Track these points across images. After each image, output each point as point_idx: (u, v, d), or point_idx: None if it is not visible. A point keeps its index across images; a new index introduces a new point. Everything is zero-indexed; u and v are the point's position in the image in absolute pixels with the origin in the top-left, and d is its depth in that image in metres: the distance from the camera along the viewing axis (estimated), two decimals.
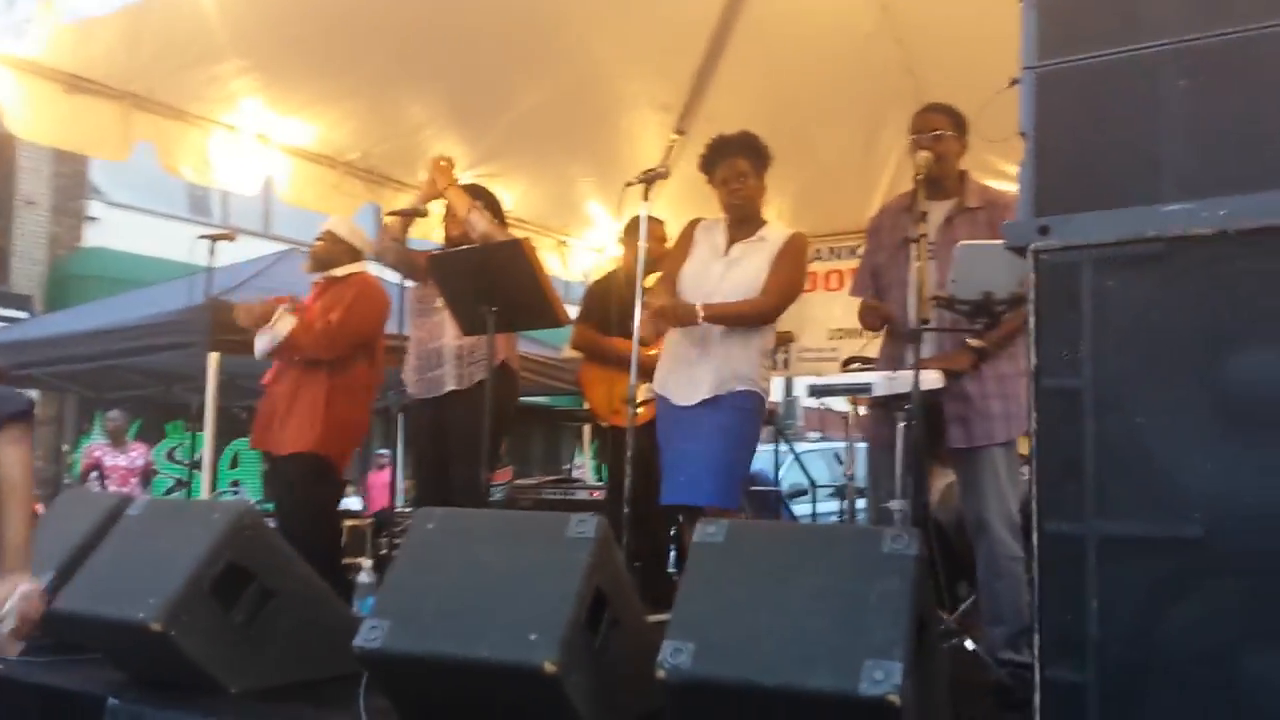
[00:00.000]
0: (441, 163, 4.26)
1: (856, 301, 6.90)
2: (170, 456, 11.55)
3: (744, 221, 3.72)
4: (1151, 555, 1.88)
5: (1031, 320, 2.04)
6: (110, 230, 12.47)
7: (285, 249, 7.60)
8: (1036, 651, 1.95)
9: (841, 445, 8.12)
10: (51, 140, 4.81)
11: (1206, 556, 1.84)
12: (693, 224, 3.85)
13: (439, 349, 4.08)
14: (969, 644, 3.18)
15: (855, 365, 5.03)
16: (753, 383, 3.56)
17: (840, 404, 3.61)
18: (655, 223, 5.22)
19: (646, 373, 4.66)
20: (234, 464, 12.33)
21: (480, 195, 4.31)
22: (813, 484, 6.36)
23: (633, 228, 4.97)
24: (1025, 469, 4.13)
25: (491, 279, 3.46)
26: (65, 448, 11.11)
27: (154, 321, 6.05)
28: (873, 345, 6.31)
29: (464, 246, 3.89)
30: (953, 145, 3.42)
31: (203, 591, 2.79)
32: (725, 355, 3.56)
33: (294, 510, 4.16)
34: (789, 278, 3.68)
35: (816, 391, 3.18)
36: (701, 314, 3.47)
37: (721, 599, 2.29)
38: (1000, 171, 5.86)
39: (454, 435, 4.01)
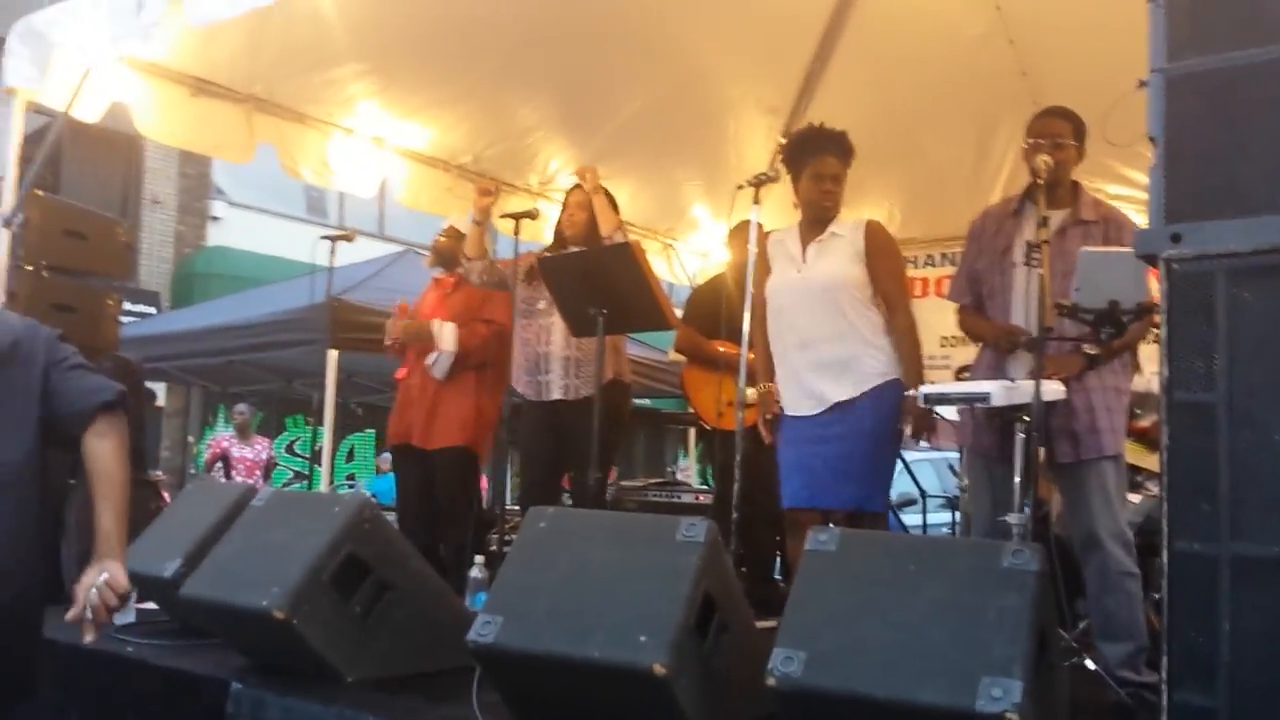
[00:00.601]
0: (587, 173, 4.28)
1: None
2: (290, 449, 11.92)
3: (816, 223, 3.64)
4: None
5: (1164, 332, 1.98)
6: (233, 230, 12.92)
7: (400, 250, 7.77)
8: (1165, 674, 1.89)
9: (954, 455, 7.99)
10: (178, 141, 5.01)
11: None
12: (762, 240, 3.78)
13: (547, 354, 4.13)
14: (1089, 663, 3.09)
15: (968, 374, 4.97)
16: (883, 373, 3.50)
17: (953, 413, 3.52)
18: (761, 228, 5.21)
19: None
20: (349, 458, 12.69)
21: (607, 196, 4.35)
22: (923, 494, 6.24)
23: (739, 231, 4.96)
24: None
25: (601, 282, 3.49)
26: (191, 439, 11.53)
27: (277, 319, 6.26)
28: None
29: (573, 250, 3.93)
30: (1072, 153, 3.33)
31: (323, 582, 2.87)
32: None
33: (448, 503, 4.28)
34: (898, 273, 3.66)
35: (931, 400, 3.11)
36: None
37: (833, 608, 2.27)
38: (1119, 175, 5.73)
39: (566, 439, 4.05)
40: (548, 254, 3.91)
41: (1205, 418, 1.91)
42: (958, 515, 7.02)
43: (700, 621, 2.43)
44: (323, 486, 5.43)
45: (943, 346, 6.69)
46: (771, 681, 2.19)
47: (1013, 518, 3.06)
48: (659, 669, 2.26)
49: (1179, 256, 1.98)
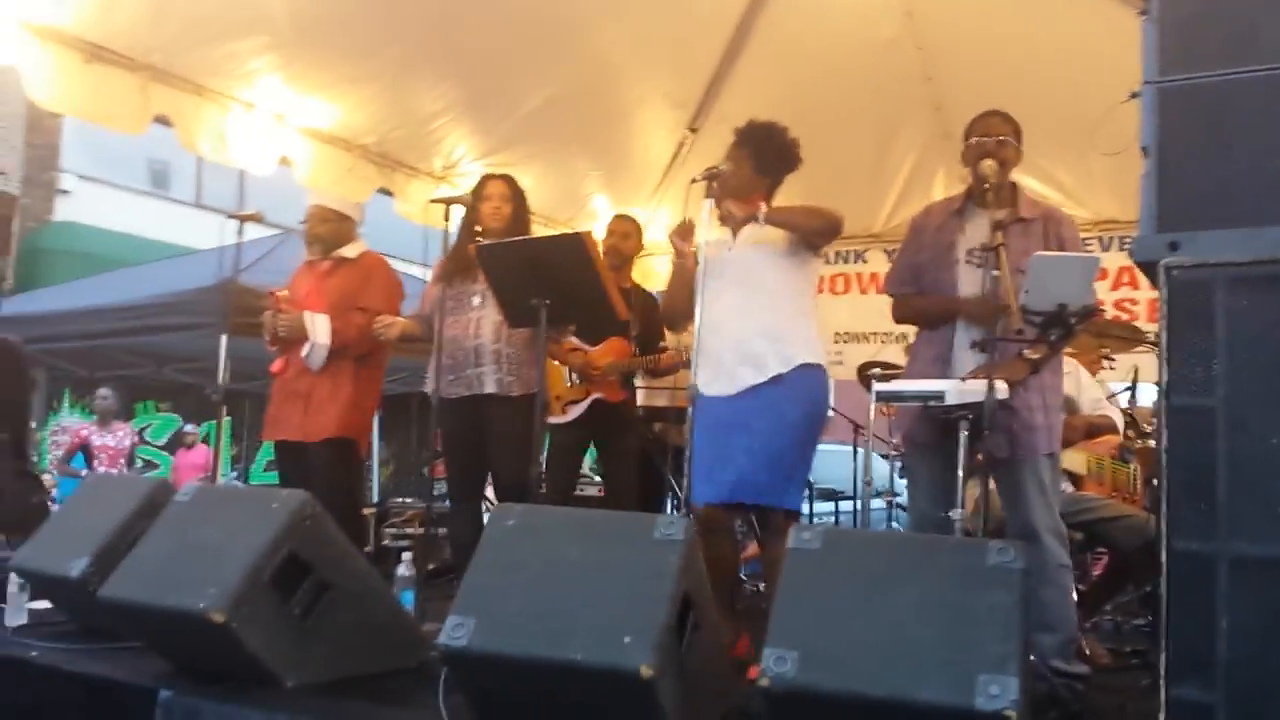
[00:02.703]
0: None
1: (863, 305, 6.96)
2: (141, 437, 11.32)
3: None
4: None
5: (1162, 338, 2.04)
6: (82, 204, 12.20)
7: (279, 233, 7.44)
8: (1164, 670, 1.94)
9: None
10: (69, 109, 4.65)
11: None
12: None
13: (477, 348, 3.99)
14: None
15: (875, 371, 5.07)
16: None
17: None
18: (624, 219, 5.20)
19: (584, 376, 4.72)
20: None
21: (517, 188, 4.23)
22: (811, 486, 6.35)
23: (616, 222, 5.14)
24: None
25: (547, 272, 3.38)
26: (33, 425, 10.82)
27: (162, 301, 5.91)
28: (885, 350, 6.39)
29: (512, 238, 3.81)
30: (1013, 154, 3.40)
31: (263, 582, 2.70)
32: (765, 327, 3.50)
33: (328, 497, 4.07)
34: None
35: (884, 398, 3.14)
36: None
37: (822, 607, 2.26)
38: (1050, 177, 5.96)
39: (491, 436, 3.94)
40: (486, 241, 3.78)
41: (1204, 422, 1.97)
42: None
43: (678, 621, 2.39)
44: (217, 478, 5.13)
45: (835, 342, 6.83)
46: (765, 682, 2.16)
47: (955, 513, 3.12)
48: (646, 670, 2.21)
49: (1178, 264, 2.04)
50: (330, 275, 4.48)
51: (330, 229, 4.55)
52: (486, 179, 4.34)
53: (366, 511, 5.48)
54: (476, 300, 4.01)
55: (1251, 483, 1.92)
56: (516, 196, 4.21)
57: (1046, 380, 3.32)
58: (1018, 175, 3.69)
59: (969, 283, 3.32)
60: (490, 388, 3.93)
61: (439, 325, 3.96)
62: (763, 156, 3.63)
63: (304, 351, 4.31)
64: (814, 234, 3.61)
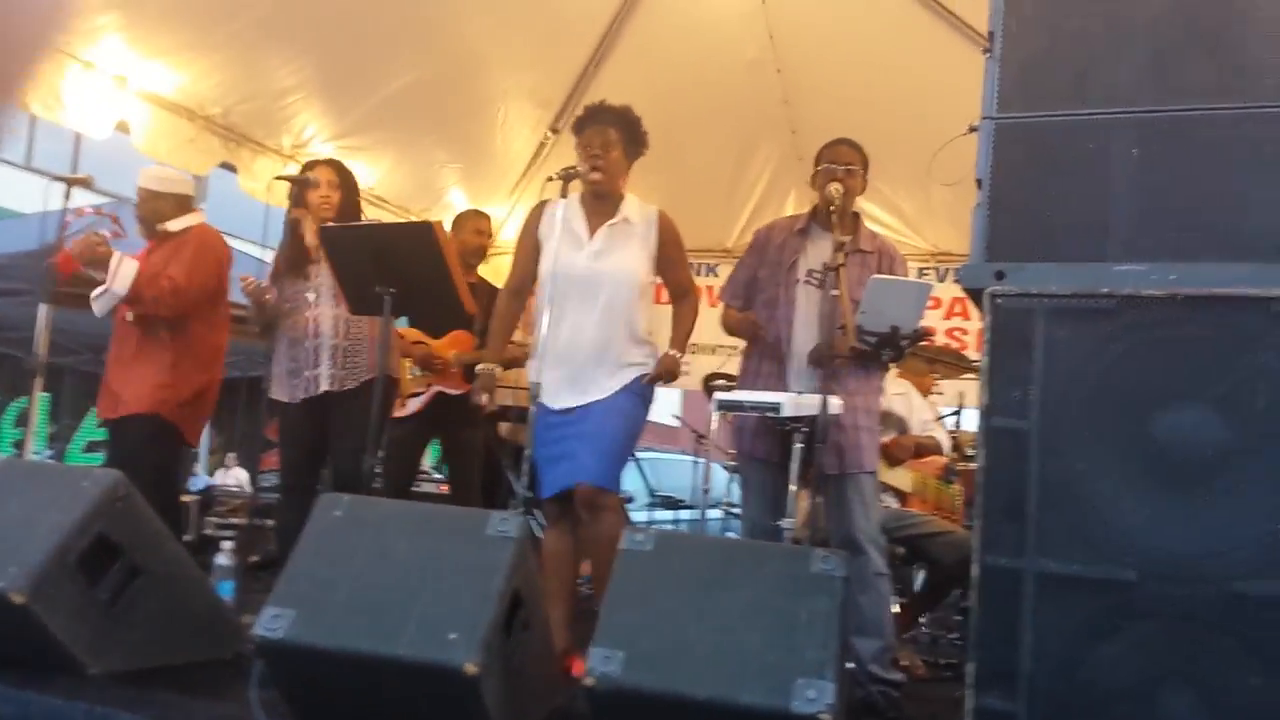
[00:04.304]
0: None
1: (710, 317, 7.03)
2: None
3: (601, 198, 3.54)
4: (1085, 594, 1.99)
5: (984, 361, 2.13)
6: None
7: (112, 201, 7.06)
8: (970, 679, 2.03)
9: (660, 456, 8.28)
10: None
11: (1136, 599, 1.96)
12: (536, 212, 3.64)
13: (316, 347, 3.87)
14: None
15: (719, 383, 5.15)
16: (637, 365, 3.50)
17: (672, 419, 3.61)
18: (479, 216, 5.17)
19: (426, 367, 4.69)
20: (19, 422, 11.42)
21: (346, 174, 4.12)
22: (653, 493, 6.42)
23: (458, 221, 5.08)
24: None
25: (394, 260, 3.31)
26: None
27: None
28: (731, 362, 6.49)
29: (361, 223, 3.72)
30: (859, 182, 3.52)
31: (69, 564, 2.56)
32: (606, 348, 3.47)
33: (135, 476, 3.87)
34: (685, 260, 3.70)
35: (724, 407, 3.20)
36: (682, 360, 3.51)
37: (650, 609, 2.28)
38: (892, 205, 6.17)
39: (328, 428, 3.83)
40: (333, 225, 3.66)
41: (1019, 443, 2.07)
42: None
43: (507, 619, 2.37)
44: (28, 453, 4.83)
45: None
46: (590, 681, 2.17)
47: (785, 522, 3.21)
48: (470, 668, 2.18)
49: (1003, 292, 2.14)
50: (156, 249, 4.28)
51: (148, 208, 4.33)
52: (312, 165, 4.21)
53: (189, 498, 5.23)
54: (311, 296, 3.90)
55: (1059, 504, 2.03)
56: (346, 184, 4.08)
57: (871, 403, 3.48)
58: (862, 202, 3.81)
59: (807, 302, 3.41)
60: (325, 385, 3.84)
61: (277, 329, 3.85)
62: (629, 139, 3.56)
63: (94, 292, 4.09)
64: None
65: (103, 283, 4.12)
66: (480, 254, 5.03)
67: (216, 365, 4.35)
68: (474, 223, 5.03)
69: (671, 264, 3.60)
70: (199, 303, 4.18)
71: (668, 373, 3.47)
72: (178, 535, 3.44)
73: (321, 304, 3.92)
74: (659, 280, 3.63)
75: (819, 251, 3.45)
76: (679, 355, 3.50)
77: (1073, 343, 2.08)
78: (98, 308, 4.13)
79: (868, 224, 3.71)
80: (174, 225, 4.30)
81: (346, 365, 3.87)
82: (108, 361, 4.31)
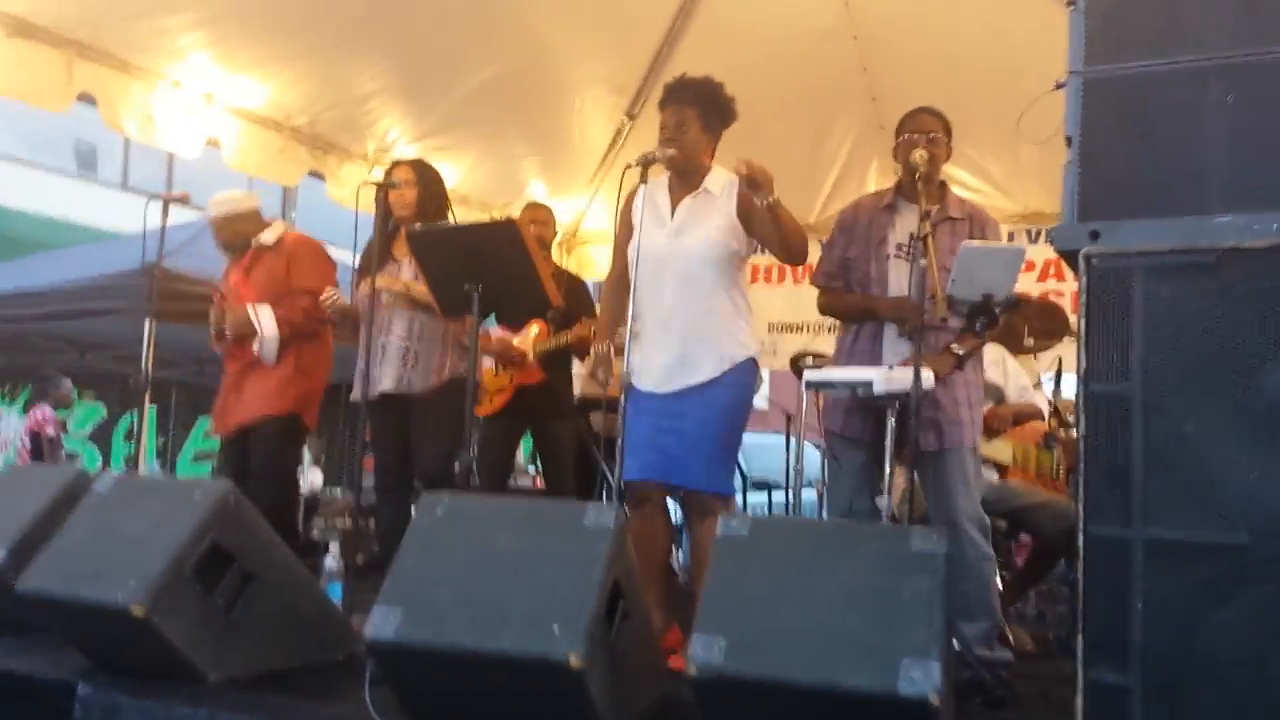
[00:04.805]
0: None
1: (797, 296, 6.97)
2: (63, 426, 11.04)
3: (685, 176, 3.48)
4: (1196, 560, 1.92)
5: (1081, 325, 2.06)
6: (3, 187, 11.85)
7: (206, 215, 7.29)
8: (1080, 653, 1.97)
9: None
10: None
11: (1249, 563, 1.88)
12: (629, 198, 3.56)
13: (385, 344, 3.96)
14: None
15: (808, 361, 5.09)
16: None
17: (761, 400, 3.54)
18: (535, 207, 5.18)
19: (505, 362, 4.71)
20: (129, 436, 11.87)
21: (425, 171, 4.16)
22: (745, 476, 6.37)
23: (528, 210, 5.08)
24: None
25: (480, 259, 3.34)
26: None
27: (85, 286, 5.76)
28: (819, 340, 6.42)
29: (446, 224, 3.76)
30: (944, 150, 3.42)
31: (185, 574, 2.65)
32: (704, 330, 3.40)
33: (265, 477, 4.00)
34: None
35: (813, 386, 3.16)
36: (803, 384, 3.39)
37: (749, 594, 2.27)
38: (980, 169, 6.04)
39: (416, 429, 3.90)
40: (422, 227, 3.72)
41: (1121, 408, 2.00)
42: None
43: (608, 610, 2.38)
44: (140, 467, 5.03)
45: (769, 332, 6.84)
46: (692, 670, 2.16)
47: (881, 500, 3.16)
48: (574, 660, 2.20)
49: (1098, 253, 2.07)
50: (254, 266, 4.40)
51: (230, 232, 4.49)
52: (392, 166, 4.28)
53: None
54: (387, 297, 3.97)
55: (1166, 468, 1.96)
56: (423, 179, 4.10)
57: (970, 377, 3.39)
58: (949, 168, 3.71)
59: (899, 277, 3.34)
60: (389, 385, 3.91)
61: (365, 324, 3.93)
62: (709, 113, 3.49)
63: (255, 348, 4.25)
64: (789, 252, 3.44)
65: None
66: (541, 245, 5.02)
67: (330, 363, 4.50)
68: (530, 214, 5.03)
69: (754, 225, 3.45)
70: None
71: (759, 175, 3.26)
72: (294, 536, 3.56)
73: (397, 304, 3.98)
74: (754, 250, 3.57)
75: (906, 225, 3.37)
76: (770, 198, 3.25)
77: (1174, 300, 2.00)
78: (266, 358, 4.26)
79: (955, 190, 3.62)
80: (267, 237, 4.42)
81: (416, 367, 3.93)
82: (224, 381, 4.44)
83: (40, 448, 7.70)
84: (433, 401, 3.92)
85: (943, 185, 3.49)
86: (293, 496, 4.32)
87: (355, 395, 3.93)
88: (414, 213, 4.01)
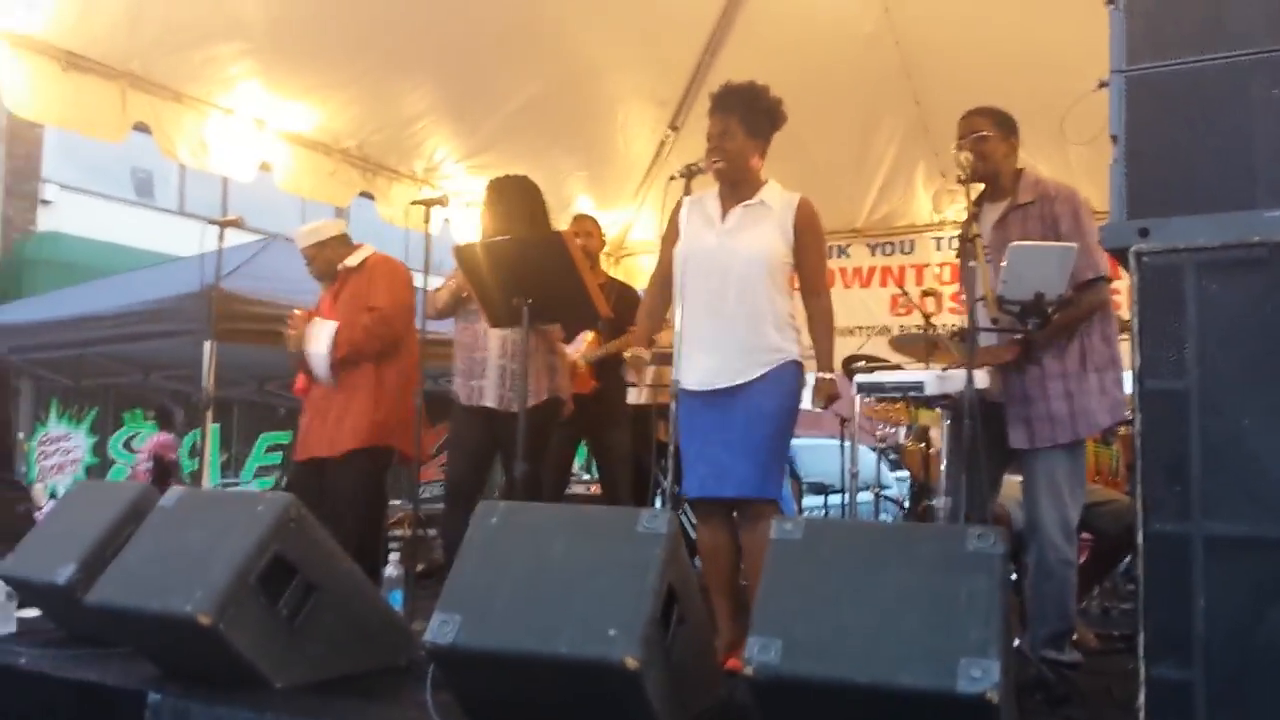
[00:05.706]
0: None
1: (847, 299, 6.94)
2: (127, 445, 11.27)
3: (736, 185, 3.48)
4: (1257, 554, 1.90)
5: (1134, 322, 2.06)
6: (65, 214, 12.14)
7: (261, 238, 7.44)
8: (1142, 650, 1.96)
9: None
10: (48, 119, 4.66)
11: None
12: (678, 206, 3.58)
13: (484, 360, 4.01)
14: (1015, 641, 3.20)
15: (860, 364, 5.09)
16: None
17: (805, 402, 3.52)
18: (581, 219, 5.22)
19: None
20: (192, 454, 12.08)
21: (493, 189, 4.17)
22: (800, 480, 6.38)
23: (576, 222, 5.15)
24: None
25: (528, 272, 3.39)
26: (21, 435, 10.76)
27: (146, 308, 5.91)
28: (870, 344, 6.41)
29: (492, 239, 3.80)
30: (998, 146, 3.39)
31: (249, 584, 2.71)
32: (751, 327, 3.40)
33: (342, 508, 4.02)
34: (822, 255, 3.55)
35: (864, 389, 3.17)
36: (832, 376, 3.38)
37: (804, 596, 2.28)
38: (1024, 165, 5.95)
39: (505, 444, 3.92)
40: (464, 244, 3.77)
41: (1177, 404, 1.99)
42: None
43: (663, 614, 2.40)
44: (204, 482, 5.14)
45: None
46: (749, 671, 2.18)
47: (939, 501, 3.15)
48: (631, 663, 2.23)
49: (1148, 250, 2.06)
50: (341, 290, 4.44)
51: (321, 261, 4.52)
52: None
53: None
54: (475, 305, 4.01)
55: (1224, 463, 1.94)
56: (504, 198, 4.10)
57: (1067, 367, 3.27)
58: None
59: (979, 279, 3.32)
60: (490, 401, 3.95)
61: (456, 328, 4.02)
62: (753, 118, 3.48)
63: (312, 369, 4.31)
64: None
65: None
66: (588, 256, 5.06)
67: (417, 385, 4.42)
68: (575, 225, 5.08)
69: (806, 251, 3.46)
70: (408, 323, 4.32)
71: (827, 398, 3.38)
72: (377, 569, 3.60)
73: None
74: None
75: (988, 225, 3.38)
76: (831, 376, 3.38)
77: (1226, 296, 1.98)
78: (316, 373, 4.33)
79: None
80: (351, 261, 4.47)
81: (515, 388, 3.94)
82: (306, 407, 4.46)
83: (166, 471, 7.83)
84: (532, 422, 3.82)
85: (1018, 174, 3.45)
86: (377, 527, 4.33)
87: (458, 392, 4.01)
88: (499, 227, 3.98)
